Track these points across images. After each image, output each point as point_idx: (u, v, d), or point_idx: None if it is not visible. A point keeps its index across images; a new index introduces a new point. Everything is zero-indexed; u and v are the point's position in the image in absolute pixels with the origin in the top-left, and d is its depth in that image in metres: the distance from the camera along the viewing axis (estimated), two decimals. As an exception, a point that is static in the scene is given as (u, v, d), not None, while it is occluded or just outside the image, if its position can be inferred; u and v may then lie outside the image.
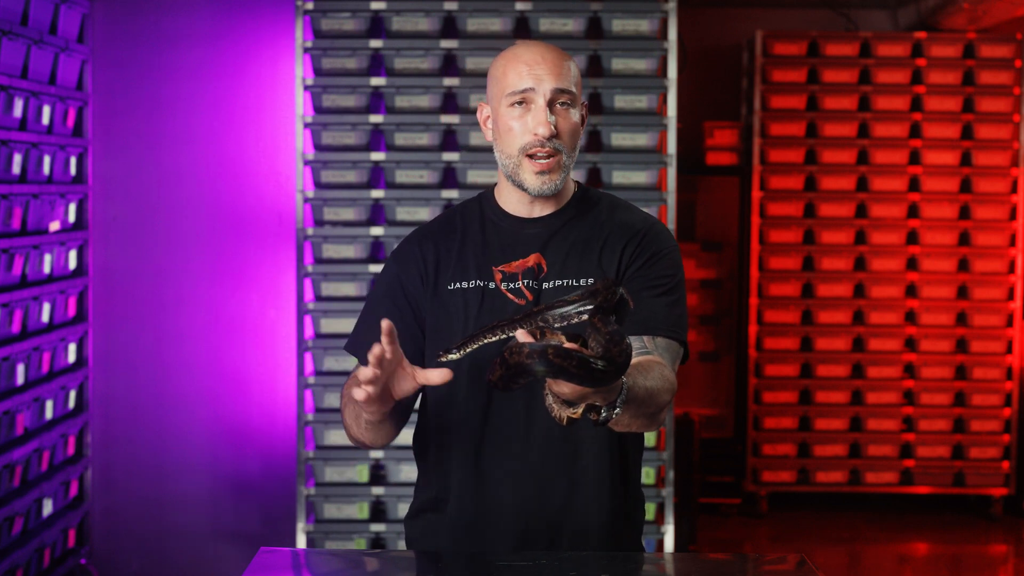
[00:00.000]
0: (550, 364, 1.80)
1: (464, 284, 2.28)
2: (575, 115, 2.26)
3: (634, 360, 2.14)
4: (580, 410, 1.95)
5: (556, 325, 2.02)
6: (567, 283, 2.25)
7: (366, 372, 2.03)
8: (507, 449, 2.25)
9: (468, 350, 2.07)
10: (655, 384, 2.07)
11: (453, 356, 2.08)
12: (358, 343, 2.32)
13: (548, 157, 2.22)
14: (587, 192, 2.36)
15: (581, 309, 2.02)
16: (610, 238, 2.28)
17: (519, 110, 2.23)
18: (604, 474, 2.28)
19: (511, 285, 2.26)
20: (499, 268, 2.28)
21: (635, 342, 2.19)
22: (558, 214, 2.31)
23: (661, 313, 2.22)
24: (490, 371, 1.90)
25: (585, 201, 2.34)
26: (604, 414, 1.97)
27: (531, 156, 2.23)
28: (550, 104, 2.22)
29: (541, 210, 2.31)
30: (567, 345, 1.85)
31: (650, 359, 2.16)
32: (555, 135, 2.22)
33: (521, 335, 1.90)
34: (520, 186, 2.26)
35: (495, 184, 2.38)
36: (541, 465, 2.25)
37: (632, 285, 2.24)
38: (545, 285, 2.25)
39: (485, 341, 2.07)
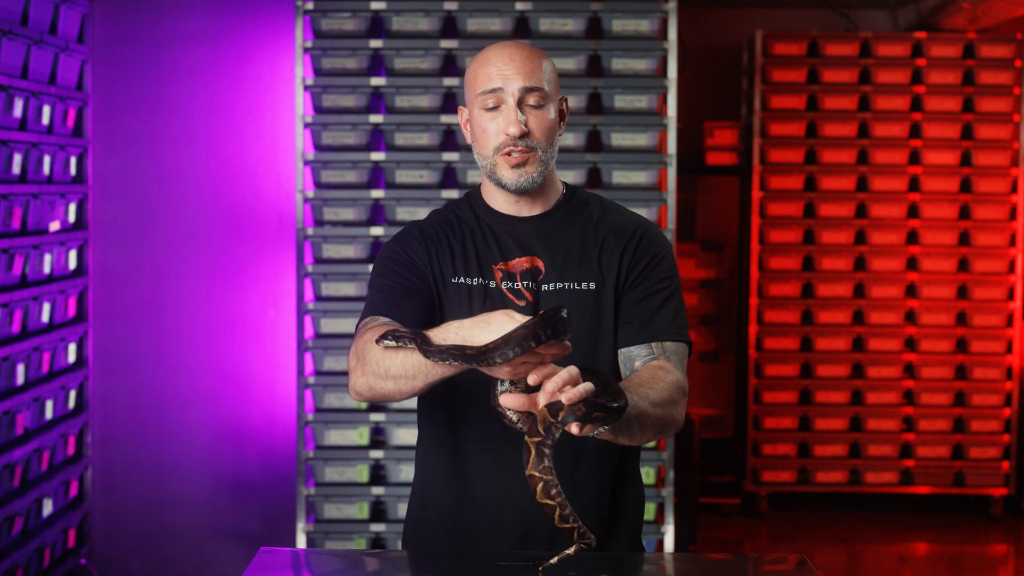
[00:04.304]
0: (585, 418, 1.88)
1: (468, 280, 2.28)
2: (550, 112, 2.26)
3: (645, 371, 2.19)
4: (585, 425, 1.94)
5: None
6: (567, 286, 2.26)
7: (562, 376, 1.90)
8: (510, 456, 2.24)
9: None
10: (659, 395, 2.10)
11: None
12: (377, 307, 2.24)
13: (521, 153, 2.24)
14: (576, 192, 2.37)
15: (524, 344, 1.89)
16: (607, 241, 2.30)
17: (491, 111, 2.24)
18: (604, 476, 2.28)
19: (511, 285, 2.27)
20: (498, 267, 2.28)
21: (643, 350, 2.24)
22: (549, 214, 2.32)
23: (667, 319, 2.27)
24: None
25: (575, 202, 2.35)
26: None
27: (506, 154, 2.24)
28: (520, 103, 2.23)
29: (530, 210, 2.32)
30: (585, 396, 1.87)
31: (657, 366, 2.20)
32: (526, 134, 2.23)
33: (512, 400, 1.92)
34: (499, 183, 2.27)
35: (479, 185, 2.38)
36: None
37: (636, 291, 2.27)
38: (544, 287, 2.26)
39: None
